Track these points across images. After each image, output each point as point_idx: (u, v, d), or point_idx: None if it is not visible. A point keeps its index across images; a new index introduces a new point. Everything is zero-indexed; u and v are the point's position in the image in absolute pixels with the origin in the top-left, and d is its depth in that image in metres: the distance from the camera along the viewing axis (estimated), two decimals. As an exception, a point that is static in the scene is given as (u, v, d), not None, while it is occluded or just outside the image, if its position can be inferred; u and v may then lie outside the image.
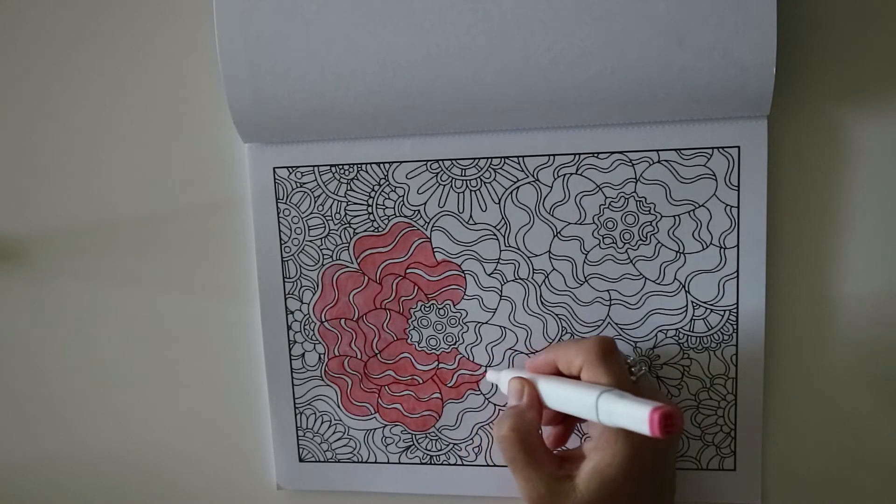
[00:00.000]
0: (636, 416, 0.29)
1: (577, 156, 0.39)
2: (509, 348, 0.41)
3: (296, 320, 0.42)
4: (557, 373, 0.37)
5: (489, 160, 0.40)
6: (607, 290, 0.40)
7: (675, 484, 0.37)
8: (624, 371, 0.35)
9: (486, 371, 0.41)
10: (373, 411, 0.43)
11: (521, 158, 0.39)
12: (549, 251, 0.40)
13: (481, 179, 0.40)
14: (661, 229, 0.39)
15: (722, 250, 0.38)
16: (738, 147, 0.37)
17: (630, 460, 0.33)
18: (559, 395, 0.35)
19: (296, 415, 0.43)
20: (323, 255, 0.42)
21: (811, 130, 0.38)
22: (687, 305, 0.39)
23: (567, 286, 0.40)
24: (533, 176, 0.39)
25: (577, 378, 0.35)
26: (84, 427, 0.47)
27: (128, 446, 0.47)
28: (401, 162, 0.40)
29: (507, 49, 0.36)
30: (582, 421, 0.39)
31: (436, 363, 0.42)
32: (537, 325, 0.40)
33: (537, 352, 0.40)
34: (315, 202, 0.41)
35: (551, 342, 0.40)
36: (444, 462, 0.43)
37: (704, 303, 0.39)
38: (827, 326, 0.39)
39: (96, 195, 0.44)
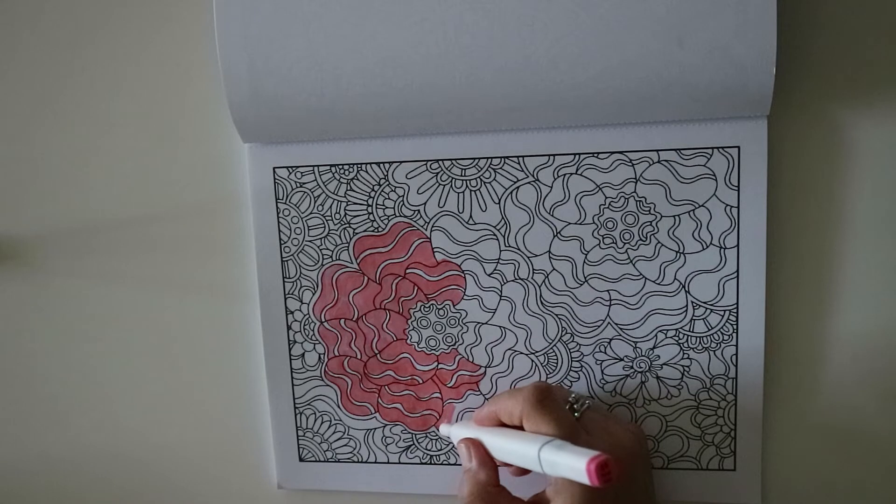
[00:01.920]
0: (575, 467, 0.30)
1: (577, 156, 0.39)
2: (509, 348, 0.41)
3: (296, 320, 0.42)
4: (502, 424, 0.37)
5: (489, 160, 0.40)
6: (607, 290, 0.40)
7: (654, 496, 0.38)
8: (564, 412, 0.35)
9: (440, 426, 0.42)
10: (373, 411, 0.43)
11: (521, 158, 0.39)
12: (549, 251, 0.40)
13: (481, 179, 0.40)
14: (661, 229, 0.39)
15: (722, 250, 0.38)
16: (738, 147, 0.37)
17: (590, 500, 0.33)
18: (504, 450, 0.35)
19: (296, 415, 0.43)
20: (323, 255, 0.42)
21: (811, 130, 0.38)
22: (687, 305, 0.39)
23: (567, 286, 0.40)
24: (533, 176, 0.39)
25: (521, 427, 0.35)
26: (84, 427, 0.47)
27: (127, 446, 0.47)
28: (401, 162, 0.40)
29: (506, 49, 0.36)
30: None
31: (435, 364, 0.42)
32: (537, 326, 0.40)
33: (480, 406, 0.40)
34: (315, 202, 0.41)
35: (551, 342, 0.40)
36: (444, 462, 0.43)
37: (704, 303, 0.39)
38: (827, 326, 0.39)
39: (96, 195, 0.44)
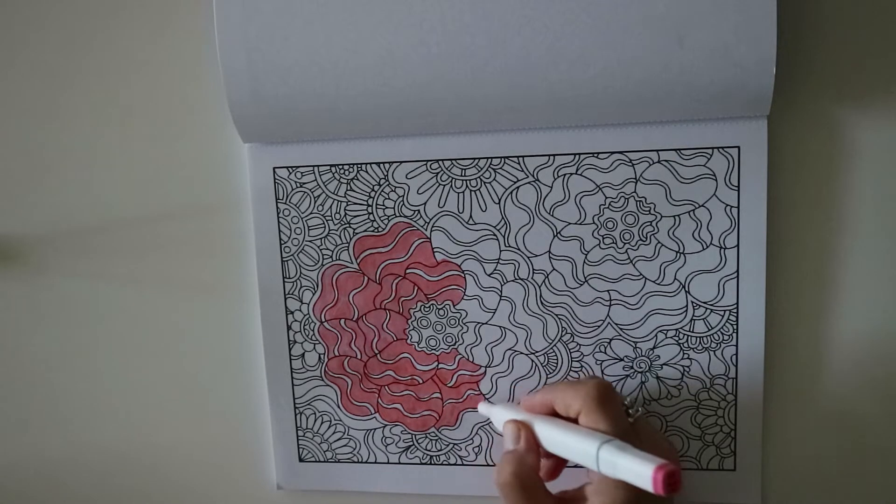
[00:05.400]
0: (639, 472, 0.30)
1: (577, 156, 0.39)
2: (509, 349, 0.41)
3: (296, 320, 0.42)
4: (554, 414, 0.37)
5: (489, 160, 0.40)
6: (607, 291, 0.40)
7: None
8: (622, 415, 0.35)
9: (478, 403, 0.41)
10: (373, 411, 0.43)
11: (521, 158, 0.39)
12: (549, 251, 0.40)
13: (481, 179, 0.40)
14: (661, 229, 0.39)
15: (722, 250, 0.38)
16: (738, 147, 0.37)
17: None
18: (558, 442, 0.35)
19: (296, 415, 0.43)
20: (323, 255, 0.42)
21: (811, 130, 0.38)
22: (687, 305, 0.39)
23: (567, 286, 0.40)
24: (533, 176, 0.39)
25: (575, 421, 0.35)
26: (84, 427, 0.47)
27: (128, 446, 0.47)
28: (401, 162, 0.40)
29: (506, 49, 0.36)
30: None
31: (435, 363, 0.42)
32: (537, 326, 0.40)
33: (533, 391, 0.39)
34: (315, 202, 0.41)
35: (551, 342, 0.40)
36: (444, 462, 0.43)
37: (704, 303, 0.39)
38: (827, 326, 0.39)
39: (96, 195, 0.44)
